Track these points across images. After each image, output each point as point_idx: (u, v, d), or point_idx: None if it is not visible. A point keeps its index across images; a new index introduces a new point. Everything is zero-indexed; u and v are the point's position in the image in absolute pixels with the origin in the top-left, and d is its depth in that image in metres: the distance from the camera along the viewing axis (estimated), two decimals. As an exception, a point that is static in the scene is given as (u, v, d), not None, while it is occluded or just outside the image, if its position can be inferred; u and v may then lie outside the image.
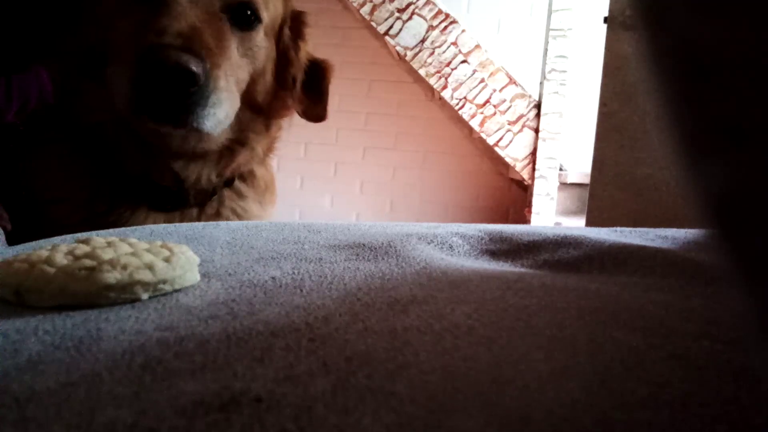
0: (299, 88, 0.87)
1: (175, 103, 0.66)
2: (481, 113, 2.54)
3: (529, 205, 2.54)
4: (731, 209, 0.13)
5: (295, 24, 0.86)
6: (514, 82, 2.52)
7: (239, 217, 0.85)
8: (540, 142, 2.51)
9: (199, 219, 0.81)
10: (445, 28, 2.52)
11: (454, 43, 2.52)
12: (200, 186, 0.79)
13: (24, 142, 0.82)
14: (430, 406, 0.22)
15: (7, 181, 0.80)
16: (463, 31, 2.52)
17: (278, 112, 0.86)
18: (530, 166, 2.54)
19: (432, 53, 2.53)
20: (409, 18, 2.52)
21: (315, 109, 0.90)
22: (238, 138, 0.80)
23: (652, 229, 0.60)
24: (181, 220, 0.79)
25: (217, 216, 0.83)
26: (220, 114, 0.69)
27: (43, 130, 0.81)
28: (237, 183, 0.87)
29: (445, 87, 2.55)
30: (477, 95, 2.54)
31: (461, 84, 2.53)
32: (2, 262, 0.35)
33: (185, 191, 0.79)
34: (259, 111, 0.82)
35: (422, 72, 2.55)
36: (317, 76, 0.89)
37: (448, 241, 0.51)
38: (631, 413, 0.22)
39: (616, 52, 1.44)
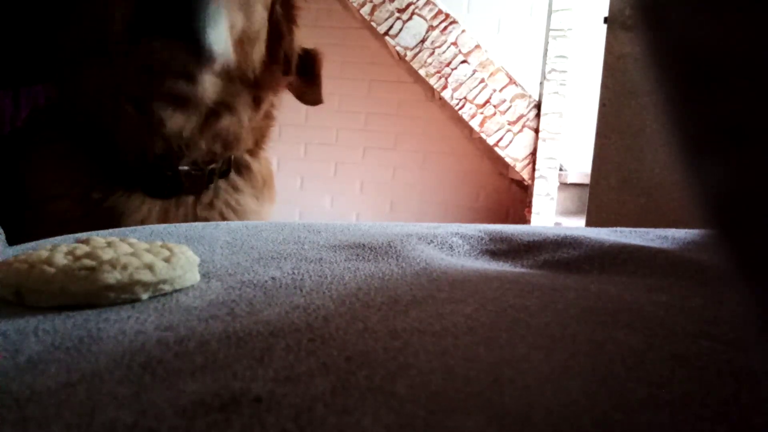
0: (294, 71, 0.91)
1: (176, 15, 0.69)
2: (481, 113, 2.54)
3: (529, 205, 2.53)
4: (731, 209, 0.13)
5: (285, 3, 0.89)
6: (514, 82, 2.52)
7: (234, 210, 0.86)
8: (540, 142, 2.51)
9: (194, 208, 0.82)
10: (445, 28, 2.52)
11: (454, 43, 2.52)
12: (183, 139, 0.79)
13: (24, 142, 0.83)
14: (430, 406, 0.22)
15: (6, 181, 0.81)
16: (463, 31, 2.52)
17: (268, 85, 0.87)
18: (530, 166, 2.54)
19: (432, 53, 2.53)
20: (409, 18, 2.52)
21: (311, 93, 0.96)
22: (224, 100, 0.81)
23: (652, 230, 0.60)
24: (177, 208, 0.80)
25: (211, 207, 0.84)
26: (221, 28, 0.72)
27: (42, 130, 0.82)
28: (233, 175, 0.87)
29: (445, 87, 2.55)
30: (477, 95, 2.53)
31: (461, 84, 2.53)
32: (2, 262, 0.35)
33: (179, 176, 0.80)
34: (249, 82, 0.83)
35: (422, 72, 2.55)
36: (309, 62, 0.94)
37: (448, 241, 0.51)
38: (631, 413, 0.22)
39: (616, 52, 1.44)
